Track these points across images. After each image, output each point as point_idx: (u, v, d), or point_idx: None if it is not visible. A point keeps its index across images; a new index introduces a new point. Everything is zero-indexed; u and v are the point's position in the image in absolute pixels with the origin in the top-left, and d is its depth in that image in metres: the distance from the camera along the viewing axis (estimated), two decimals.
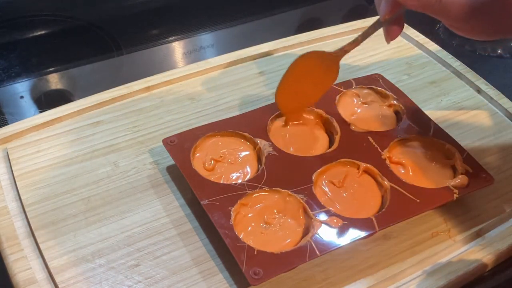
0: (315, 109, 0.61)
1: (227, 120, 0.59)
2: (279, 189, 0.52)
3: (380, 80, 0.66)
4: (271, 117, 0.59)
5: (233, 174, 0.54)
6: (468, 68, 0.72)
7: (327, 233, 0.49)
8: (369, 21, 0.79)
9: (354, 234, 0.49)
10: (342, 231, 0.49)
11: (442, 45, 0.76)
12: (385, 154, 0.56)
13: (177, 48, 0.83)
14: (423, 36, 0.77)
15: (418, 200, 0.52)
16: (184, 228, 0.52)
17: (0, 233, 0.51)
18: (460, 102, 0.68)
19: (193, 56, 0.81)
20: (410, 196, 0.52)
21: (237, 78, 0.69)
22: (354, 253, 0.51)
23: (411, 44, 0.77)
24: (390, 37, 0.54)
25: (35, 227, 0.51)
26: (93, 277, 0.48)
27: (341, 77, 0.69)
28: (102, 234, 0.51)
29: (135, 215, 0.53)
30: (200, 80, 0.69)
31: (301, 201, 0.51)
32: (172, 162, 0.56)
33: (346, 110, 0.62)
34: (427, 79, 0.71)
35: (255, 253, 0.46)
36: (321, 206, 0.51)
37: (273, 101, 0.62)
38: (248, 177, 0.54)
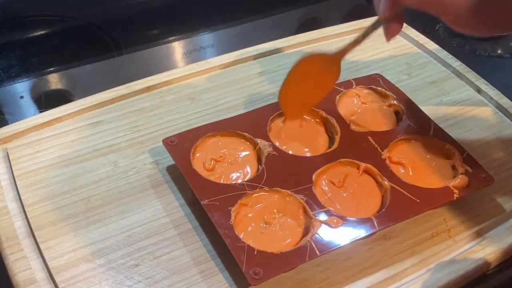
0: (315, 109, 0.61)
1: (227, 120, 0.59)
2: (279, 189, 0.52)
3: (380, 80, 0.66)
4: (271, 117, 0.60)
5: (233, 174, 0.54)
6: (468, 68, 0.72)
7: (327, 233, 0.49)
8: (369, 21, 0.79)
9: (354, 234, 0.49)
10: (342, 231, 0.49)
11: (442, 45, 0.76)
12: (385, 154, 0.56)
13: (177, 48, 0.83)
14: (423, 36, 0.77)
15: (418, 200, 0.52)
16: (184, 228, 0.52)
17: (0, 233, 0.51)
18: (460, 102, 0.68)
19: (193, 56, 0.81)
20: (410, 196, 0.52)
21: (237, 78, 0.69)
22: (354, 253, 0.51)
23: (411, 44, 0.77)
24: (390, 35, 0.54)
25: (35, 227, 0.51)
26: (93, 277, 0.48)
27: (341, 77, 0.68)
28: (102, 234, 0.51)
29: (135, 215, 0.53)
30: (200, 80, 0.69)
31: (301, 201, 0.51)
32: (172, 162, 0.56)
33: (346, 110, 0.62)
34: (427, 79, 0.71)
35: (255, 253, 0.46)
36: (321, 206, 0.51)
37: (273, 101, 0.62)
38: (248, 177, 0.54)
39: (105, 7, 0.89)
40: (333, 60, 0.57)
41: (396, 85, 0.65)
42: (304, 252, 0.47)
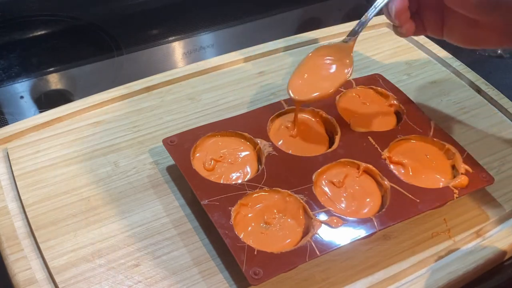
0: (315, 109, 0.61)
1: (227, 120, 0.59)
2: (279, 189, 0.52)
3: (380, 80, 0.66)
4: (271, 117, 0.60)
5: (233, 174, 0.54)
6: (468, 68, 0.72)
7: (327, 233, 0.49)
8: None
9: (354, 234, 0.49)
10: (342, 231, 0.49)
11: (442, 45, 0.76)
12: (385, 154, 0.56)
13: (177, 48, 0.83)
14: (423, 36, 0.77)
15: (418, 200, 0.52)
16: (184, 228, 0.52)
17: (0, 233, 0.51)
18: (460, 102, 0.68)
19: (193, 56, 0.81)
20: (410, 196, 0.52)
21: (237, 78, 0.69)
22: (354, 253, 0.51)
23: (411, 44, 0.77)
24: (405, 33, 0.54)
25: (35, 227, 0.51)
26: (93, 277, 0.48)
27: None
28: (102, 234, 0.51)
29: (135, 215, 0.53)
30: (200, 80, 0.69)
31: (301, 201, 0.51)
32: (172, 162, 0.56)
33: (346, 110, 0.62)
34: (427, 79, 0.71)
35: (255, 253, 0.46)
36: (321, 206, 0.51)
37: (273, 101, 0.62)
38: (248, 177, 0.54)
39: (105, 7, 0.89)
40: (345, 49, 0.56)
41: (396, 85, 0.65)
42: (304, 252, 0.47)
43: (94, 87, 0.68)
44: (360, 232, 0.49)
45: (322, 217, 0.50)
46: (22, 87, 0.74)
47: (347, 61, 0.57)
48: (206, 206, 0.50)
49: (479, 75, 0.71)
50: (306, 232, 0.49)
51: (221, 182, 0.53)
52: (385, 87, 0.65)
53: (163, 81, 0.68)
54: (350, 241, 0.48)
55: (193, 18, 0.88)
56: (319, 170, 0.54)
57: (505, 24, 0.50)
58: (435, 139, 0.58)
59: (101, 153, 0.59)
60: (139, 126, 0.62)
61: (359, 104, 0.63)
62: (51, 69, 0.77)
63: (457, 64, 0.73)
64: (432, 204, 0.52)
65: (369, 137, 0.58)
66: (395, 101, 0.63)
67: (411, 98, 0.64)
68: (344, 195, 0.53)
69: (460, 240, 0.53)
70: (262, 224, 0.50)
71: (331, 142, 0.59)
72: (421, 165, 0.56)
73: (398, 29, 0.56)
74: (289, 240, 0.49)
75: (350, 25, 0.78)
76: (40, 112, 0.64)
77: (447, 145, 0.57)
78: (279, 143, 0.58)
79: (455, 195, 0.52)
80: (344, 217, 0.50)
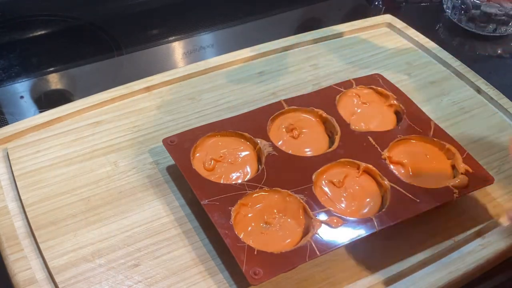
0: (315, 109, 0.61)
1: (227, 120, 0.59)
2: (279, 189, 0.52)
3: (380, 80, 0.66)
4: (271, 117, 0.60)
5: (233, 174, 0.54)
6: (468, 68, 0.72)
7: (327, 233, 0.49)
8: (369, 21, 0.79)
9: (354, 234, 0.49)
10: (342, 231, 0.49)
11: (442, 45, 0.76)
12: (385, 154, 0.56)
13: (177, 48, 0.83)
14: (423, 36, 0.77)
15: (418, 200, 0.52)
16: (184, 228, 0.52)
17: (0, 233, 0.51)
18: (460, 102, 0.68)
19: (193, 56, 0.81)
20: (410, 196, 0.52)
21: (237, 78, 0.69)
22: (354, 253, 0.51)
23: (411, 44, 0.77)
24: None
25: (35, 227, 0.51)
26: (93, 277, 0.48)
27: (341, 77, 0.69)
28: (102, 234, 0.51)
29: (135, 215, 0.53)
30: (200, 80, 0.69)
31: (301, 201, 0.51)
32: (172, 162, 0.56)
33: (346, 110, 0.62)
34: (427, 79, 0.71)
35: (255, 253, 0.46)
36: (321, 206, 0.51)
37: (273, 101, 0.62)
38: (248, 177, 0.54)
39: (105, 7, 0.89)
40: None
41: (396, 85, 0.65)
42: (304, 252, 0.47)
43: (94, 87, 0.68)
44: (360, 232, 0.49)
45: (322, 217, 0.50)
46: (22, 87, 0.74)
47: None
48: (206, 206, 0.50)
49: (479, 75, 0.71)
50: (306, 232, 0.49)
51: (221, 182, 0.53)
52: (385, 87, 0.65)
53: (163, 81, 0.68)
54: (350, 241, 0.48)
55: (193, 18, 0.88)
56: (319, 170, 0.54)
57: None
58: (435, 139, 0.58)
59: (101, 153, 0.59)
60: (139, 126, 0.62)
61: (359, 104, 0.63)
62: (51, 69, 0.77)
63: (457, 64, 0.73)
64: (432, 204, 0.52)
65: (369, 137, 0.58)
66: (395, 101, 0.63)
67: (411, 98, 0.64)
68: (344, 195, 0.53)
69: (460, 240, 0.53)
70: (262, 224, 0.50)
71: (331, 142, 0.59)
72: (421, 165, 0.56)
73: None
74: (289, 240, 0.49)
75: (350, 25, 0.78)
76: (40, 112, 0.64)
77: (447, 145, 0.57)
78: (279, 143, 0.58)
79: (455, 195, 0.52)
80: (344, 217, 0.50)
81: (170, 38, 0.84)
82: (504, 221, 0.54)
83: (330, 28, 0.78)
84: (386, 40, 0.77)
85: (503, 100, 0.67)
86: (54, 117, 0.62)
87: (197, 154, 0.56)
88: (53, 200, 0.54)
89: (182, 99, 0.66)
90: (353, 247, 0.51)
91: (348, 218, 0.50)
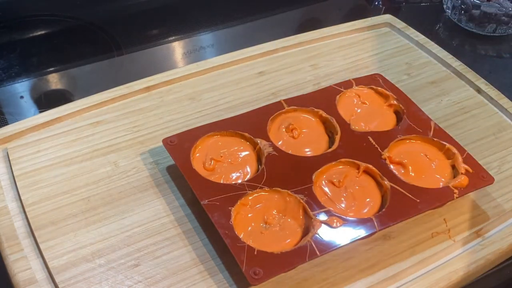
0: (315, 109, 0.61)
1: (227, 120, 0.59)
2: (279, 189, 0.52)
3: (380, 80, 0.66)
4: (271, 117, 0.59)
5: (233, 174, 0.54)
6: (468, 68, 0.72)
7: (327, 233, 0.49)
8: (369, 21, 0.79)
9: (354, 234, 0.49)
10: (342, 231, 0.49)
11: (442, 45, 0.76)
12: (385, 154, 0.56)
13: (177, 48, 0.83)
14: (423, 36, 0.77)
15: (418, 200, 0.52)
16: (184, 228, 0.52)
17: (0, 233, 0.51)
18: (460, 102, 0.68)
19: (193, 56, 0.81)
20: (410, 196, 0.52)
21: (237, 78, 0.69)
22: (354, 253, 0.51)
23: (411, 44, 0.77)
24: None
25: (35, 227, 0.51)
26: (93, 277, 0.48)
27: (341, 77, 0.69)
28: (102, 234, 0.51)
29: (135, 215, 0.53)
30: (200, 80, 0.69)
31: (301, 201, 0.51)
32: (172, 162, 0.56)
33: (346, 110, 0.62)
34: (427, 79, 0.71)
35: (255, 253, 0.46)
36: (321, 206, 0.51)
37: (273, 101, 0.62)
38: (248, 177, 0.54)
39: (105, 7, 0.89)
40: None
41: (396, 85, 0.65)
42: (304, 252, 0.47)
43: (94, 87, 0.68)
44: (360, 232, 0.49)
45: (322, 217, 0.50)
46: (22, 87, 0.74)
47: None
48: (206, 206, 0.50)
49: (479, 75, 0.71)
50: (306, 232, 0.49)
51: (221, 182, 0.53)
52: (385, 87, 0.65)
53: (163, 81, 0.67)
54: (350, 241, 0.48)
55: (193, 18, 0.88)
56: (319, 170, 0.54)
57: None
58: (435, 139, 0.58)
59: (101, 153, 0.59)
60: (139, 126, 0.62)
61: (359, 104, 0.63)
62: (51, 69, 0.77)
63: (457, 64, 0.73)
64: (432, 204, 0.52)
65: (369, 137, 0.58)
66: (395, 101, 0.63)
67: (411, 98, 0.64)
68: (344, 195, 0.53)
69: (460, 240, 0.53)
70: (262, 224, 0.50)
71: (331, 142, 0.59)
72: (421, 165, 0.56)
73: None
74: (289, 240, 0.49)
75: (350, 25, 0.78)
76: (40, 112, 0.64)
77: (447, 145, 0.57)
78: (279, 143, 0.58)
79: (455, 195, 0.52)
80: (344, 217, 0.50)
81: (170, 38, 0.84)
82: None
83: (330, 28, 0.78)
84: (386, 40, 0.77)
85: (503, 100, 0.67)
86: (54, 117, 0.62)
87: (197, 154, 0.56)
88: (53, 200, 0.54)
89: (182, 99, 0.66)
90: (353, 247, 0.51)
91: (348, 218, 0.50)
